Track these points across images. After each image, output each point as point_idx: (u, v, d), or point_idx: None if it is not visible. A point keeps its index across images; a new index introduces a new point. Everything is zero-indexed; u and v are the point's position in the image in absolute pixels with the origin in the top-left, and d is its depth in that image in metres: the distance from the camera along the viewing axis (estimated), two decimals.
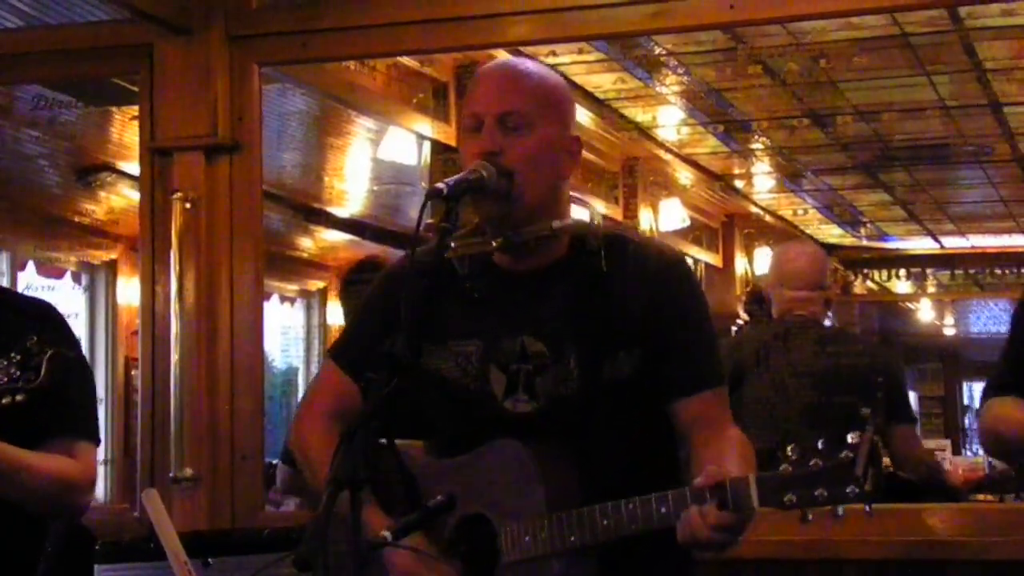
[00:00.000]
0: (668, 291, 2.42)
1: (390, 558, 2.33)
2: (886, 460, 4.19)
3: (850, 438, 2.06)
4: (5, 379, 2.50)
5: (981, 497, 5.11)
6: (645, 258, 2.44)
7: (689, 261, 11.41)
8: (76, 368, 2.63)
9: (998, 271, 14.17)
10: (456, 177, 2.31)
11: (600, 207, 8.98)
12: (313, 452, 2.54)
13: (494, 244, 2.41)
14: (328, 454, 2.49)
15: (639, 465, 2.40)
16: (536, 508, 2.29)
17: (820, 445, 2.08)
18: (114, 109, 7.31)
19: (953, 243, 14.05)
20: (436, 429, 2.47)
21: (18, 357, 2.52)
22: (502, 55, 6.10)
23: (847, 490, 2.05)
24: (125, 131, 7.68)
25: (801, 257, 4.66)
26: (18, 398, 2.49)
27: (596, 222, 2.50)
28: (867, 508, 2.07)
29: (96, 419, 2.87)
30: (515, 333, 2.42)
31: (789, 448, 2.10)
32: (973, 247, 13.99)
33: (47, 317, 2.82)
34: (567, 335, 2.39)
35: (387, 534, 2.21)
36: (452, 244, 2.35)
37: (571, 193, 2.53)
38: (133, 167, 6.88)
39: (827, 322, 4.74)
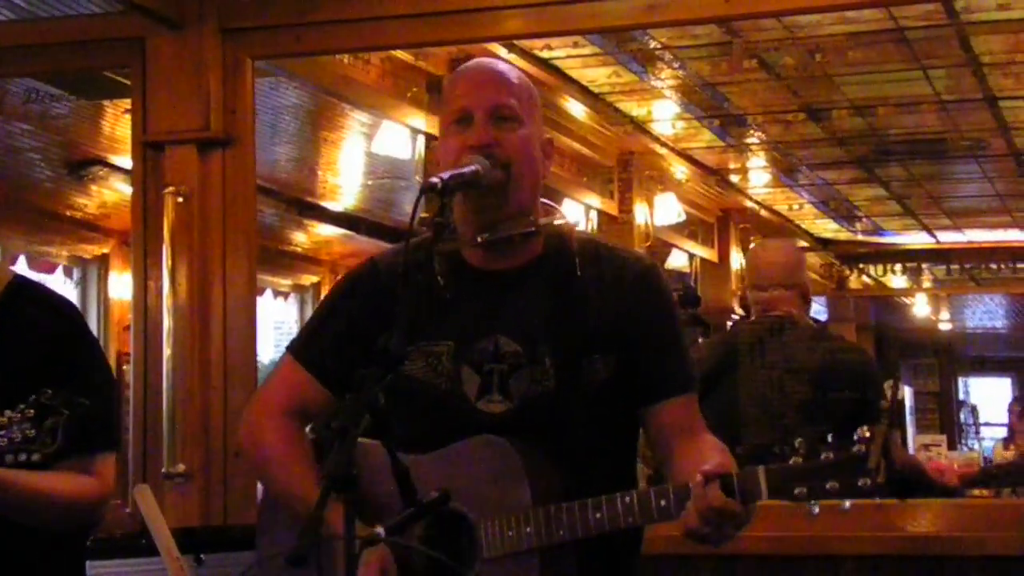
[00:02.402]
0: (643, 299, 2.43)
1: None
2: None
3: (863, 432, 2.05)
4: (19, 437, 2.39)
5: (977, 492, 5.10)
6: (619, 265, 2.45)
7: (684, 256, 11.47)
8: (92, 414, 2.52)
9: (993, 266, 14.16)
10: (451, 171, 2.29)
11: (595, 202, 8.96)
12: (271, 448, 2.50)
13: (478, 239, 2.40)
14: (287, 450, 2.48)
15: (613, 465, 2.41)
16: (521, 503, 2.27)
17: (830, 438, 2.07)
18: (106, 103, 7.28)
19: (949, 238, 14.02)
20: (405, 430, 2.43)
21: (31, 412, 2.39)
22: (497, 49, 6.09)
23: (859, 482, 2.03)
24: (117, 125, 7.65)
25: (771, 256, 4.62)
26: (33, 458, 2.41)
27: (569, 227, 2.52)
28: (876, 500, 2.05)
29: (115, 426, 2.81)
30: (489, 333, 2.40)
31: (797, 442, 2.08)
32: (969, 242, 13.97)
33: (66, 331, 2.73)
34: (542, 336, 2.38)
35: (380, 531, 2.18)
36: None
37: (541, 200, 2.54)
38: (125, 161, 6.86)
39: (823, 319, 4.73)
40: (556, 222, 2.49)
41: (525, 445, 2.32)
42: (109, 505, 2.78)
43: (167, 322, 4.23)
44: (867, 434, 2.05)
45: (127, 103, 5.32)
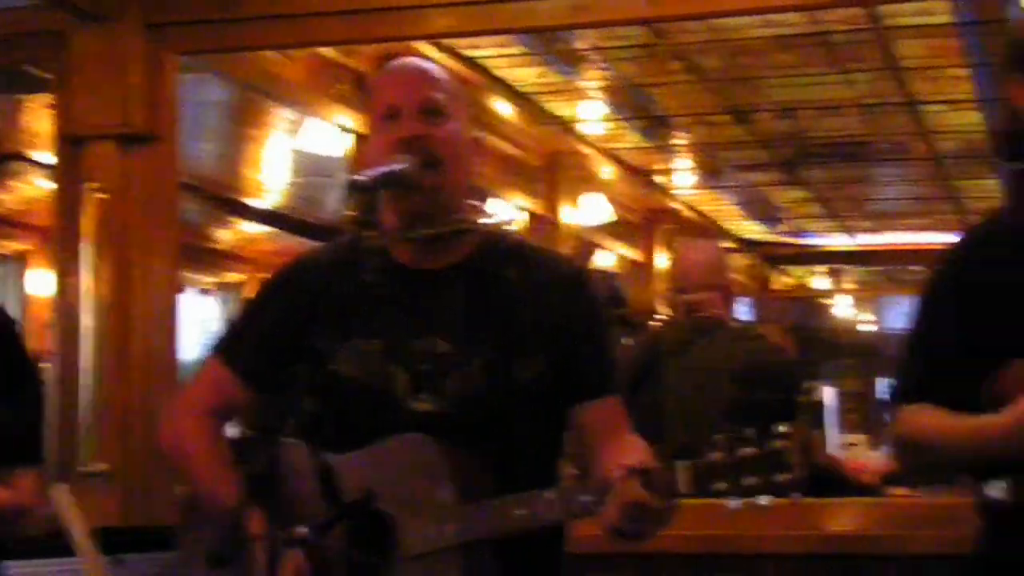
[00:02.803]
0: (571, 302, 2.45)
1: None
2: None
3: (782, 428, 2.06)
4: None
5: (899, 491, 5.14)
6: (548, 268, 2.47)
7: (610, 256, 11.50)
8: (13, 426, 2.49)
9: (914, 268, 14.35)
10: (377, 169, 2.29)
11: (522, 202, 8.98)
12: (190, 447, 2.48)
13: (408, 236, 2.40)
14: (205, 449, 2.46)
15: (540, 465, 2.42)
16: (443, 500, 2.28)
17: (750, 434, 2.08)
18: (26, 97, 7.18)
19: (870, 240, 14.21)
20: (335, 429, 2.42)
21: None
22: (424, 47, 6.08)
23: (778, 478, 2.05)
24: (38, 120, 7.55)
25: (695, 256, 4.64)
26: None
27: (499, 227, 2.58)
28: (795, 497, 2.06)
29: (38, 439, 2.77)
30: (420, 332, 2.40)
31: (718, 437, 2.09)
32: (889, 244, 14.14)
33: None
34: (472, 336, 2.38)
35: (304, 531, 2.18)
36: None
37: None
38: (46, 156, 6.77)
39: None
40: (485, 221, 2.50)
41: (450, 444, 2.32)
42: (28, 518, 2.74)
43: (88, 319, 4.18)
44: (786, 430, 2.06)
45: (48, 98, 5.25)
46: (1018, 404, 2.33)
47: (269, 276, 2.62)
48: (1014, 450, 2.36)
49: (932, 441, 2.53)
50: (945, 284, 2.60)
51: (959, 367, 2.49)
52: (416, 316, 2.42)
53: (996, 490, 2.52)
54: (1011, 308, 2.47)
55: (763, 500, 2.07)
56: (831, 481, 4.50)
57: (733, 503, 2.09)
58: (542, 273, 2.46)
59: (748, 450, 2.07)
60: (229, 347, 2.56)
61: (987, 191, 11.06)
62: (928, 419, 2.52)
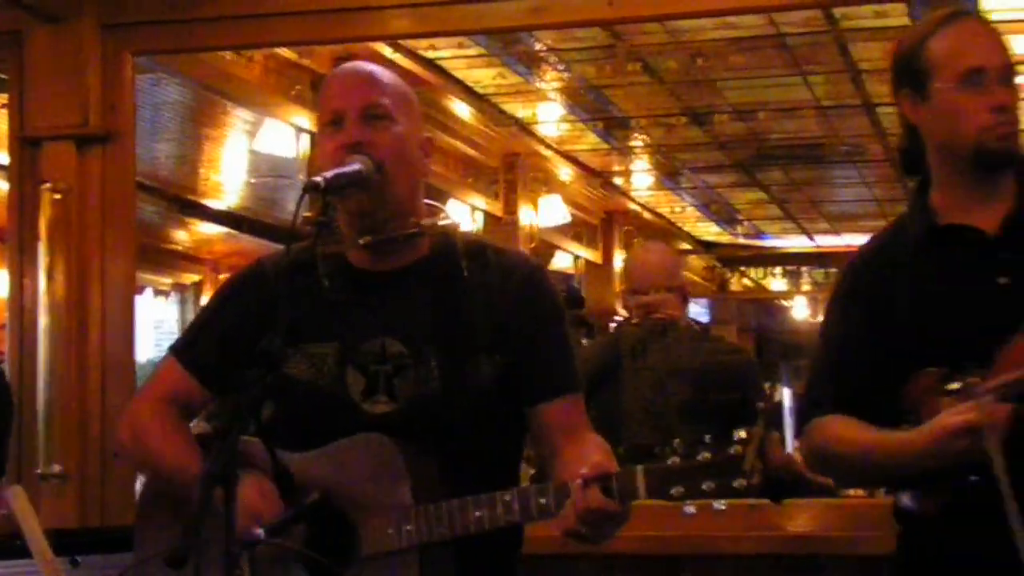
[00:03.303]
0: (529, 300, 2.46)
1: None
2: None
3: (740, 433, 2.08)
4: None
5: (852, 492, 5.18)
6: (506, 267, 2.48)
7: (568, 258, 11.51)
8: None
9: None
10: (334, 171, 2.30)
11: (479, 203, 8.97)
12: (153, 431, 2.48)
13: (361, 242, 2.40)
14: (169, 431, 2.46)
15: (497, 466, 2.43)
16: (401, 501, 2.28)
17: (708, 439, 2.10)
18: None
19: (827, 241, 14.27)
20: (290, 431, 2.42)
21: None
22: (381, 48, 6.07)
23: (735, 483, 2.07)
24: None
25: (649, 258, 4.66)
26: None
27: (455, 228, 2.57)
28: (751, 501, 2.09)
29: (2, 451, 2.76)
30: (374, 334, 2.40)
31: (676, 442, 2.11)
32: (847, 246, 14.20)
33: None
34: (428, 337, 2.39)
35: (261, 532, 2.18)
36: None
37: (425, 201, 2.54)
38: (1, 157, 6.72)
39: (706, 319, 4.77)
40: (441, 223, 2.51)
41: (408, 444, 2.32)
42: None
43: (43, 320, 4.16)
44: (744, 435, 2.08)
45: (3, 98, 5.21)
46: (933, 425, 2.35)
47: (229, 277, 2.62)
48: (928, 467, 2.38)
49: (846, 453, 2.53)
50: (850, 292, 2.62)
51: (868, 376, 2.51)
52: (371, 318, 2.42)
53: (909, 499, 2.55)
54: (913, 316, 2.49)
55: (720, 504, 2.09)
56: (788, 482, 4.53)
57: (689, 508, 2.11)
58: (499, 272, 2.46)
59: (706, 455, 2.09)
60: (187, 347, 2.56)
61: None
62: (843, 431, 2.52)
